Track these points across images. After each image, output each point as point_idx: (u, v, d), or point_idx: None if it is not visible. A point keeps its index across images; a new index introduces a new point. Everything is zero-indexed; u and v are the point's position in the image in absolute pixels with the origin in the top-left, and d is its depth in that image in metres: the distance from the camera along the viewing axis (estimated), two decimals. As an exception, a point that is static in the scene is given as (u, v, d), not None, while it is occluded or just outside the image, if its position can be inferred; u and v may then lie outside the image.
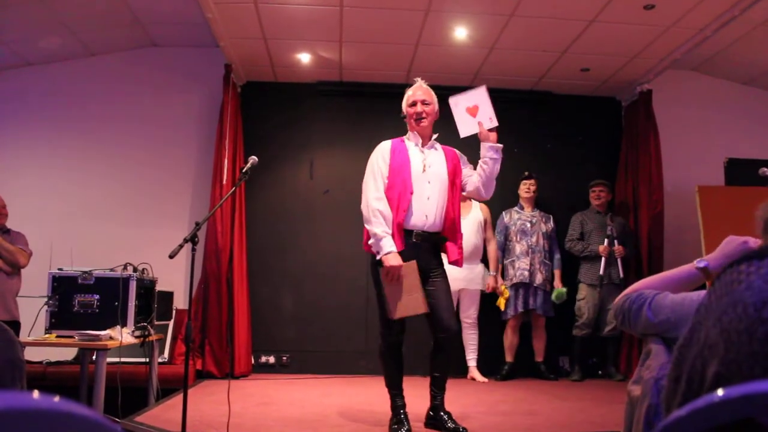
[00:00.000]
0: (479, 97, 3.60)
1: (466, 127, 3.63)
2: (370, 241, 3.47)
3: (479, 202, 5.85)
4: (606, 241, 5.89)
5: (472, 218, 5.86)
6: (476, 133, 3.59)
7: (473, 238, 5.78)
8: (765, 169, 3.94)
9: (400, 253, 3.39)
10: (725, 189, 5.98)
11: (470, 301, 5.84)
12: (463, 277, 5.50)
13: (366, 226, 3.49)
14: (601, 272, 5.85)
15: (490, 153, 3.54)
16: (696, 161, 6.50)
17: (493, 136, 3.57)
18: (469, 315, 5.84)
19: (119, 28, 6.08)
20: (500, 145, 3.56)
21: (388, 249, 3.35)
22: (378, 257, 3.40)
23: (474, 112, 3.59)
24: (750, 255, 0.69)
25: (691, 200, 5.77)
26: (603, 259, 5.86)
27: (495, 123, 3.57)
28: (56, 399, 0.51)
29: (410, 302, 3.36)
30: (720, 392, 0.55)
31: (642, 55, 5.94)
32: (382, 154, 3.58)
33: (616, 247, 5.89)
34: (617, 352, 6.14)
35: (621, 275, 5.88)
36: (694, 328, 0.71)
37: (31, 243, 4.81)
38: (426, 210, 3.48)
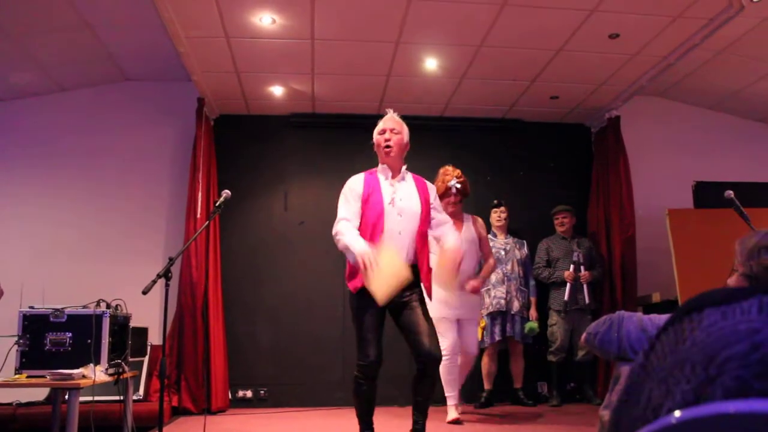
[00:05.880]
0: None
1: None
2: (347, 254, 3.40)
3: (470, 217, 5.23)
4: (572, 267, 5.95)
5: (465, 238, 4.98)
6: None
7: (470, 260, 4.94)
8: (730, 192, 4.01)
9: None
10: (694, 212, 6.08)
11: (469, 332, 5.09)
12: (459, 305, 4.87)
13: (338, 241, 3.44)
14: (566, 298, 5.91)
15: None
16: (665, 185, 6.61)
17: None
18: (469, 346, 5.10)
19: (91, 62, 6.08)
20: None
21: (363, 247, 3.28)
22: (351, 259, 3.35)
23: None
24: (689, 308, 0.68)
25: (661, 223, 5.86)
26: (568, 284, 5.92)
27: None
28: None
29: (394, 282, 3.29)
30: (677, 414, 0.56)
31: (609, 83, 6.08)
32: (352, 187, 3.60)
33: (582, 272, 5.95)
34: (594, 376, 6.18)
35: (587, 300, 5.94)
36: (632, 390, 0.69)
37: (2, 282, 4.72)
38: (398, 245, 3.46)
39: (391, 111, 3.77)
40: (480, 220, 5.25)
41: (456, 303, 4.77)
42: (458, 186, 4.90)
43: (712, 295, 0.67)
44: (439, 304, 4.55)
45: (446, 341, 4.64)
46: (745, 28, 5.24)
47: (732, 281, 1.63)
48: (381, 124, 3.70)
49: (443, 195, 4.76)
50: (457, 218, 4.93)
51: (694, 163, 6.73)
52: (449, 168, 4.97)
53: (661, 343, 0.68)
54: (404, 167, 3.69)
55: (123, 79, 6.53)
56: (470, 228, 5.10)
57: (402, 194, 3.58)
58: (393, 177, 3.63)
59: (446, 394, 4.87)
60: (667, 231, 5.74)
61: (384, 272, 3.25)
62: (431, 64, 5.72)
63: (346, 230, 3.41)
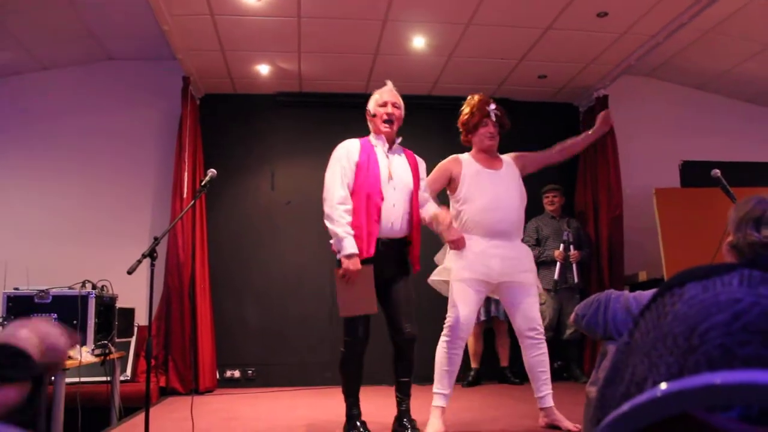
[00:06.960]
0: None
1: None
2: (331, 240, 3.42)
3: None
4: (562, 246, 5.97)
5: (511, 176, 3.86)
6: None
7: (517, 203, 3.81)
8: (717, 171, 4.03)
9: (367, 259, 3.36)
10: (681, 191, 6.12)
11: (527, 300, 3.70)
12: (502, 266, 3.65)
13: (327, 223, 3.41)
14: (556, 277, 5.93)
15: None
16: (652, 164, 6.63)
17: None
18: (531, 321, 3.71)
19: (73, 41, 5.98)
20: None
21: (351, 250, 3.31)
22: (338, 256, 3.37)
23: None
24: (671, 284, 0.68)
25: (648, 203, 5.88)
26: (558, 263, 5.94)
27: None
28: None
29: (360, 303, 3.34)
30: (663, 386, 0.56)
31: (597, 62, 6.06)
32: (348, 152, 3.52)
33: (572, 252, 5.97)
34: (580, 355, 6.23)
35: (576, 279, 5.96)
36: (617, 367, 0.69)
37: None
38: (392, 217, 3.47)
39: (390, 83, 3.73)
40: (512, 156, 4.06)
41: (496, 261, 3.64)
42: (498, 113, 3.86)
43: (693, 271, 0.67)
44: (476, 260, 3.62)
45: (456, 312, 3.59)
46: (733, 7, 5.22)
47: (724, 248, 1.63)
48: (381, 96, 3.64)
49: (477, 125, 3.80)
50: (493, 155, 3.90)
51: (681, 143, 6.75)
52: (476, 96, 3.93)
53: (644, 320, 0.67)
54: (398, 140, 3.66)
55: (106, 58, 6.44)
56: (512, 167, 3.93)
57: (397, 167, 3.57)
58: (388, 149, 3.61)
59: (434, 390, 3.64)
60: (654, 210, 5.77)
61: (356, 292, 3.31)
62: (419, 42, 5.67)
63: (341, 220, 3.36)
